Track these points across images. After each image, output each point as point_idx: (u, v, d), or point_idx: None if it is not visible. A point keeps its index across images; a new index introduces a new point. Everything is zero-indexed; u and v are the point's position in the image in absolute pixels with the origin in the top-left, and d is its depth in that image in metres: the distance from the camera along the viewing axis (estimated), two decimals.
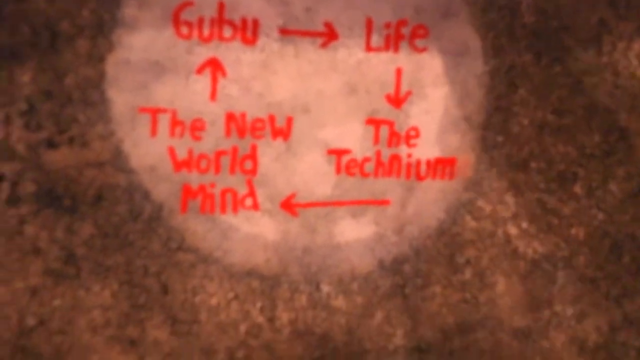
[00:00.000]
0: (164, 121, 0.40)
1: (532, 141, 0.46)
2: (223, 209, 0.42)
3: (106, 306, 0.41)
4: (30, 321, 0.40)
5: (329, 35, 0.42)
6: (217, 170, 0.41)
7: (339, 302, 0.45)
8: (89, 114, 0.39)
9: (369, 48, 0.43)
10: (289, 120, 0.42)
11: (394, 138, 0.44)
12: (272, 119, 0.42)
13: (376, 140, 0.43)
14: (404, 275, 0.46)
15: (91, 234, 0.40)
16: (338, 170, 0.43)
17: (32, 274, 0.40)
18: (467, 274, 0.47)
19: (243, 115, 0.41)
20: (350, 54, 0.42)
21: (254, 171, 0.42)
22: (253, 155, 0.42)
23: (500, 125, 0.46)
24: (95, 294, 0.41)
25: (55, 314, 0.40)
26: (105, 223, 0.40)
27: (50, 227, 0.40)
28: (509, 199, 0.46)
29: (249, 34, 0.41)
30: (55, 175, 0.40)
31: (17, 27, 0.38)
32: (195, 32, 0.40)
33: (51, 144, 0.39)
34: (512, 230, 0.47)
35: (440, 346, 0.46)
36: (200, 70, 0.40)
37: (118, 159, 0.40)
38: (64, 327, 0.41)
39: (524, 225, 0.47)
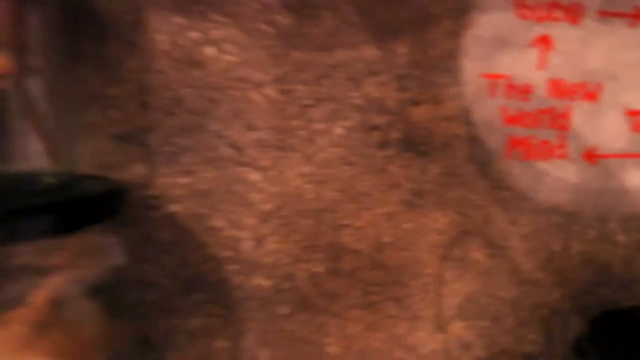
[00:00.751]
0: (501, 85, 0.56)
1: None
2: (538, 157, 0.57)
3: (441, 231, 0.58)
4: (385, 239, 0.58)
5: (637, 16, 0.56)
6: (537, 125, 0.57)
7: (621, 237, 0.60)
8: (446, 79, 0.55)
9: None
10: (599, 86, 0.57)
11: None
12: (585, 84, 0.56)
13: None
14: None
15: (437, 173, 0.57)
16: (632, 128, 0.58)
17: (390, 203, 0.57)
18: None
19: (562, 81, 0.56)
20: None
21: (566, 127, 0.57)
22: (567, 114, 0.57)
23: None
24: (434, 221, 0.58)
25: (403, 235, 0.58)
26: (449, 165, 0.57)
27: (408, 167, 0.56)
28: None
29: (574, 16, 0.55)
30: (416, 127, 0.56)
31: (398, 10, 0.54)
32: (532, 14, 0.55)
33: (415, 102, 0.55)
34: None
35: None
36: (533, 44, 0.55)
37: (463, 115, 0.56)
38: (408, 246, 0.58)
39: None
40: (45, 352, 0.42)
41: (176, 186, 0.54)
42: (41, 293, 0.41)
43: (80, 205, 0.42)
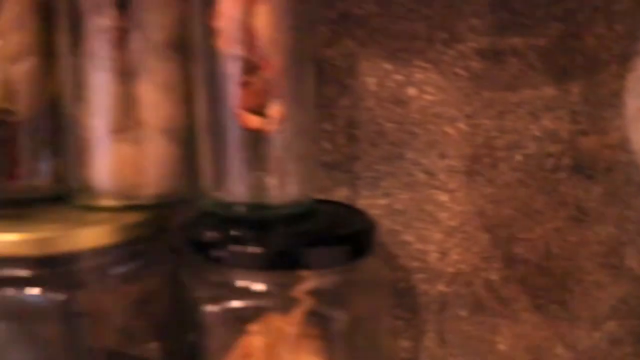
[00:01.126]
0: None
1: None
2: None
3: (601, 242, 0.70)
4: (553, 250, 0.70)
5: None
6: None
7: None
8: (611, 113, 0.67)
9: None
10: None
11: None
12: None
13: None
14: None
15: (600, 193, 0.69)
16: None
17: (558, 219, 0.68)
18: None
19: None
20: None
21: None
22: None
23: None
24: (596, 234, 0.69)
25: (568, 247, 0.69)
26: (610, 186, 0.68)
27: (575, 188, 0.68)
28: None
29: None
30: (584, 154, 0.68)
31: (574, 56, 0.66)
32: None
33: (583, 133, 0.67)
34: None
35: None
36: None
37: (624, 143, 0.68)
38: (573, 256, 0.70)
39: None
40: (312, 351, 0.54)
41: (375, 206, 0.66)
42: (304, 305, 0.53)
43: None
